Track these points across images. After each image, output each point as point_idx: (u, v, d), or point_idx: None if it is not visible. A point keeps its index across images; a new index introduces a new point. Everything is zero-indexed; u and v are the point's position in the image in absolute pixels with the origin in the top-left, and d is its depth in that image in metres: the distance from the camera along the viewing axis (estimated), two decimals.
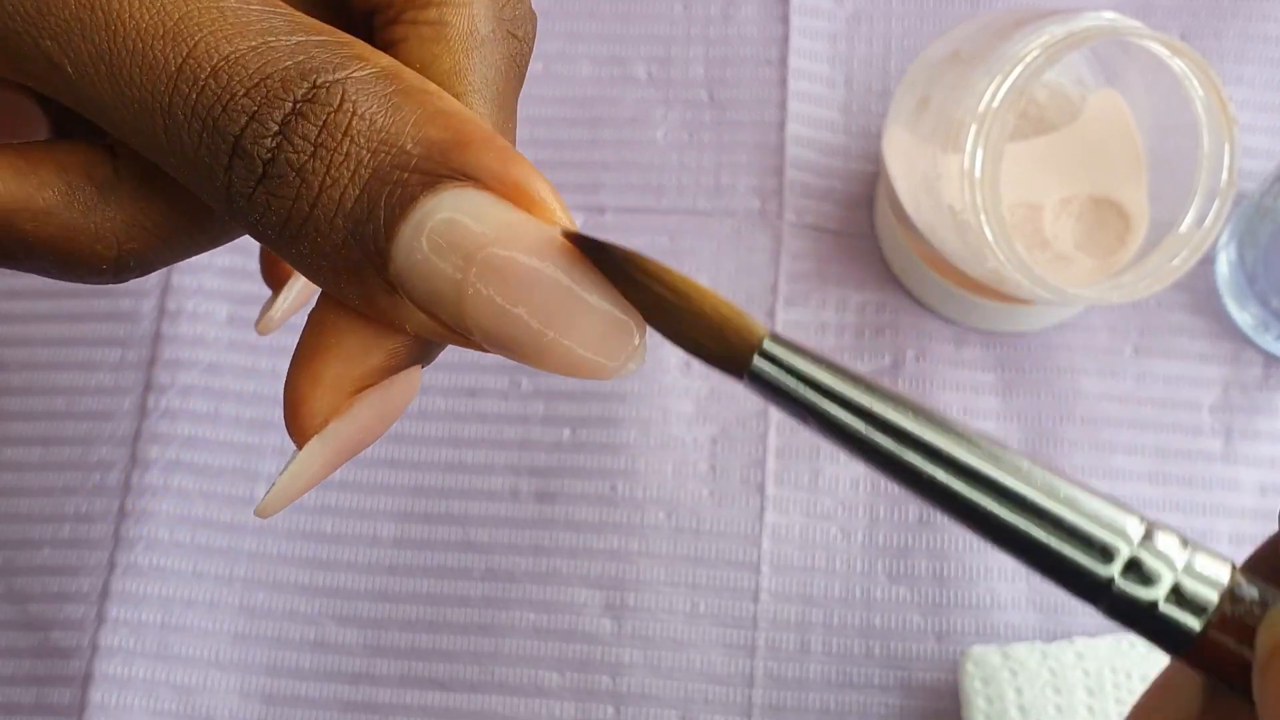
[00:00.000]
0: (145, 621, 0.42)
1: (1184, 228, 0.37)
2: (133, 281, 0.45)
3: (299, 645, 0.42)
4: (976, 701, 0.38)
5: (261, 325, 0.30)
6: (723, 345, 0.18)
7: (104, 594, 0.42)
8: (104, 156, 0.19)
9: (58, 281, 0.47)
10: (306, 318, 0.20)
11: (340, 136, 0.17)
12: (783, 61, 0.47)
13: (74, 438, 0.44)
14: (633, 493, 0.43)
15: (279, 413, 0.21)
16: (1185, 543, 0.18)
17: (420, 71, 0.20)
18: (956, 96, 0.36)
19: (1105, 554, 0.17)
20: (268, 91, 0.17)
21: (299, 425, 0.19)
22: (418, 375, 0.20)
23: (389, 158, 0.17)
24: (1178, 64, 0.35)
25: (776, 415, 0.43)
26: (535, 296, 0.18)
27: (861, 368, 0.44)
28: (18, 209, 0.18)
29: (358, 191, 0.17)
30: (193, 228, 0.20)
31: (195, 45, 0.17)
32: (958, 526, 0.42)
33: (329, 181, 0.17)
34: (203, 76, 0.17)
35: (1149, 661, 0.38)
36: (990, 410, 0.43)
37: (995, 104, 0.35)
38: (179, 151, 0.18)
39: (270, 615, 0.42)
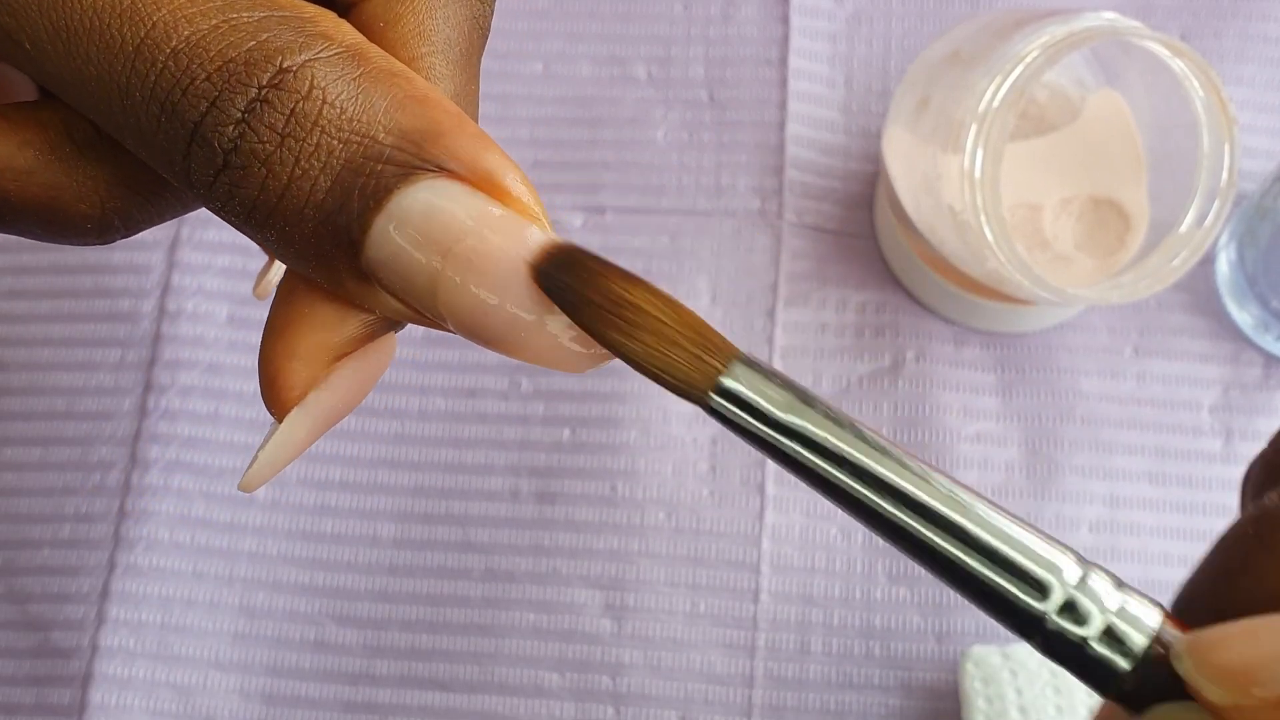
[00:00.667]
0: (145, 621, 0.42)
1: (1184, 228, 0.37)
2: (133, 282, 0.45)
3: (299, 645, 0.42)
4: (976, 701, 0.38)
5: (260, 289, 0.30)
6: (680, 388, 0.19)
7: (104, 594, 0.42)
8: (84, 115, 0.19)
9: (59, 282, 0.48)
10: (277, 289, 0.20)
11: (310, 126, 0.17)
12: (783, 61, 0.47)
13: (74, 438, 0.44)
14: (633, 493, 0.43)
15: None
16: (1119, 584, 0.18)
17: (383, 30, 0.20)
18: (956, 96, 0.36)
19: (1041, 590, 0.18)
20: (230, 75, 0.17)
21: (278, 398, 0.19)
22: (393, 341, 0.20)
23: (361, 148, 0.17)
24: (1178, 64, 0.35)
25: None
26: (512, 288, 0.18)
27: (861, 368, 0.44)
28: None
29: (329, 183, 0.17)
30: (174, 185, 0.20)
31: (154, 25, 0.17)
32: None
33: (298, 173, 0.17)
34: (161, 58, 0.17)
35: None
36: (990, 410, 0.43)
37: (995, 104, 0.35)
38: (137, 132, 0.17)
39: (270, 615, 0.42)
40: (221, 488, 0.43)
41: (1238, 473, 0.46)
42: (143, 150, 0.18)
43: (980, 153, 0.35)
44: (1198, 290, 0.44)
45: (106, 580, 0.42)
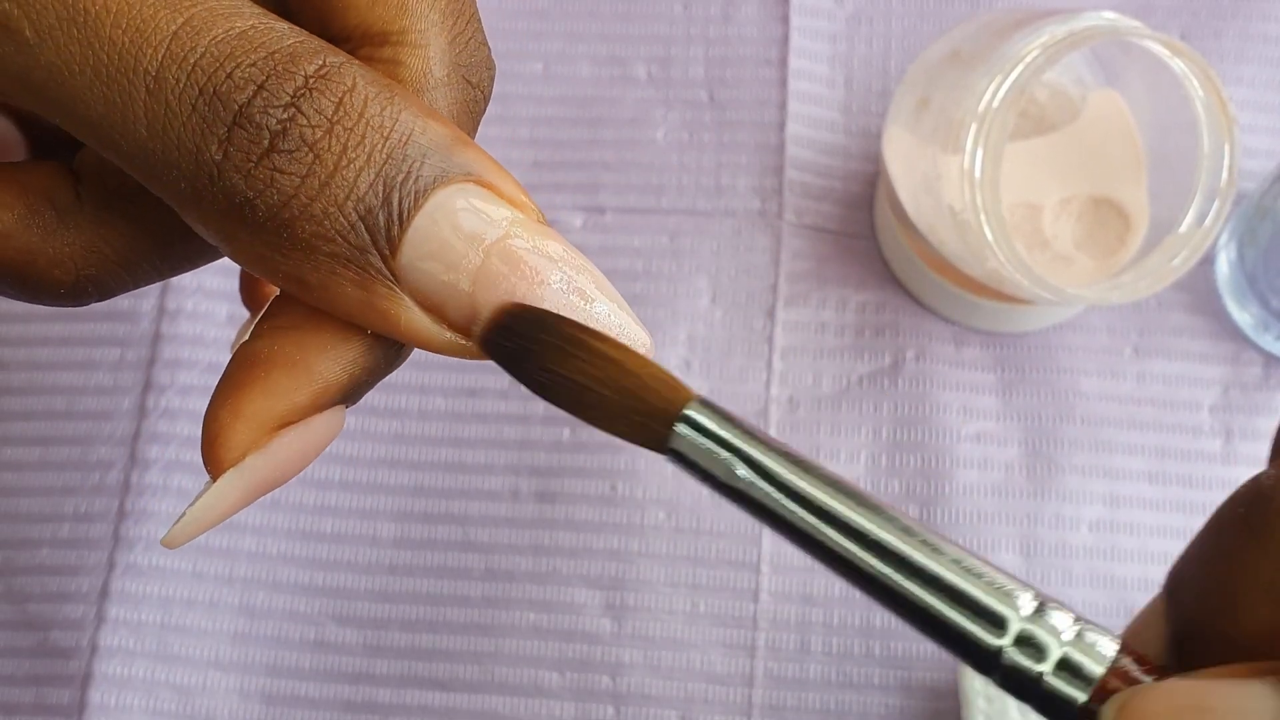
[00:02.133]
0: (145, 621, 0.42)
1: (1184, 228, 0.37)
2: None
3: (299, 645, 0.42)
4: (976, 701, 0.38)
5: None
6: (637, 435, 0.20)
7: (104, 594, 0.42)
8: (67, 180, 0.19)
9: None
10: (234, 351, 0.20)
11: (357, 117, 0.17)
12: (783, 61, 0.47)
13: (74, 437, 0.44)
14: (633, 493, 0.43)
15: None
16: (1076, 619, 0.18)
17: None
18: (956, 96, 0.36)
19: (997, 625, 0.18)
20: (276, 64, 0.17)
21: (215, 456, 0.19)
22: (341, 416, 0.20)
23: (404, 145, 0.17)
24: (1178, 64, 0.35)
25: (776, 415, 0.43)
26: (550, 284, 0.18)
27: (861, 368, 0.44)
28: None
29: (373, 176, 0.17)
30: (154, 255, 0.20)
31: (192, 15, 0.17)
32: (959, 527, 0.42)
33: (344, 162, 0.17)
34: (202, 44, 0.17)
35: None
36: (990, 410, 0.43)
37: (995, 104, 0.35)
38: (159, 123, 0.17)
39: (270, 615, 0.42)
40: None
41: (1238, 473, 0.46)
42: (157, 145, 0.17)
43: (980, 153, 0.35)
44: (1198, 290, 0.44)
45: (106, 580, 0.42)
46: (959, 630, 0.18)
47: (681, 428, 0.19)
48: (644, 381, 0.20)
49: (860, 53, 0.47)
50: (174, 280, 0.45)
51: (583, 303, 0.19)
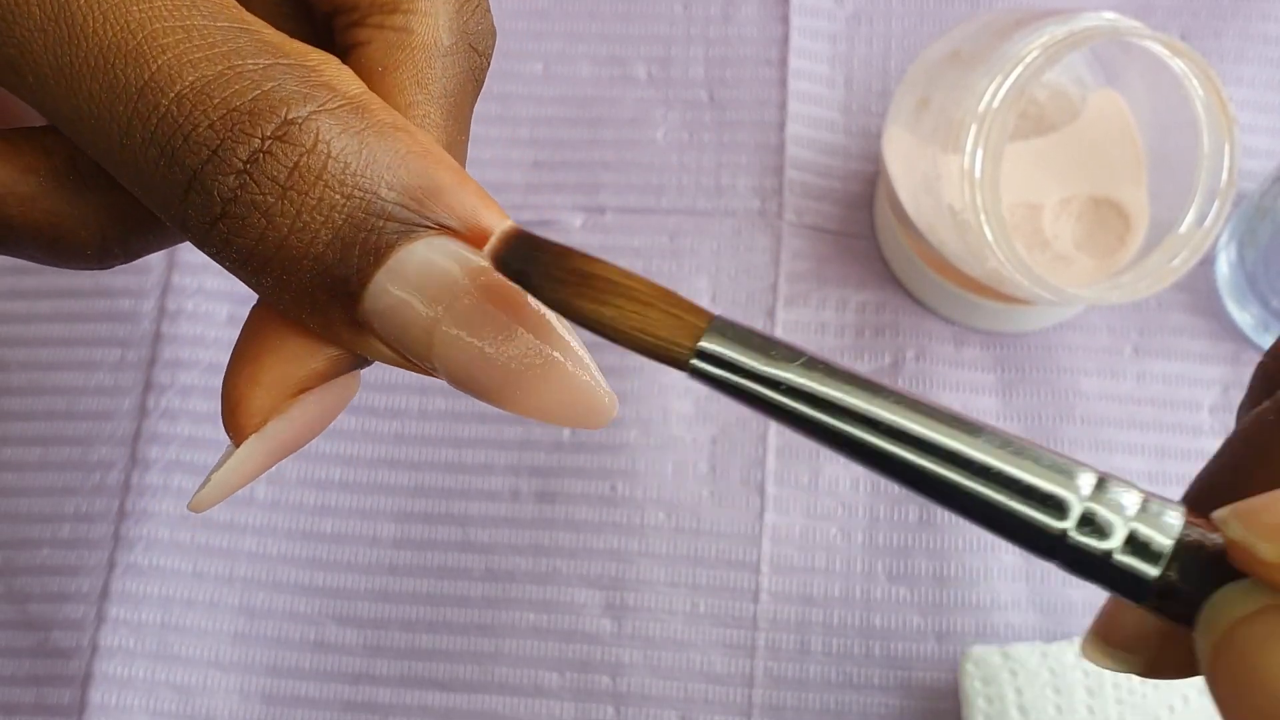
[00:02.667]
0: (145, 621, 0.42)
1: (1184, 228, 0.37)
2: (133, 281, 0.45)
3: (299, 645, 0.42)
4: (976, 701, 0.38)
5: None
6: (659, 355, 0.19)
7: (104, 594, 0.42)
8: None
9: (59, 282, 0.48)
10: (248, 316, 0.20)
11: (313, 180, 0.17)
12: (783, 61, 0.47)
13: (74, 438, 0.44)
14: (633, 493, 0.43)
15: None
16: (1140, 492, 0.18)
17: (381, 75, 0.20)
18: (956, 96, 0.36)
19: (1058, 509, 0.17)
20: (233, 124, 0.17)
21: (237, 424, 0.19)
22: (356, 379, 0.21)
23: (364, 204, 0.17)
24: (1178, 64, 0.35)
25: None
26: (509, 344, 0.18)
27: (861, 368, 0.44)
28: (2, 194, 0.19)
29: (329, 236, 0.17)
30: None
31: (158, 69, 0.17)
32: (959, 526, 0.42)
33: (299, 225, 0.17)
34: (164, 103, 0.17)
35: None
36: (990, 410, 0.43)
37: (995, 104, 0.35)
38: (135, 173, 0.17)
39: (270, 615, 0.42)
40: None
41: None
42: (139, 190, 0.18)
43: (980, 153, 0.35)
44: (1198, 290, 0.44)
45: (106, 580, 0.42)
46: (1021, 519, 0.18)
47: (700, 359, 0.18)
48: (659, 311, 0.19)
49: (860, 53, 0.47)
50: (174, 281, 0.45)
51: (540, 364, 0.18)
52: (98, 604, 0.42)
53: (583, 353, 0.19)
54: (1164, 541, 0.17)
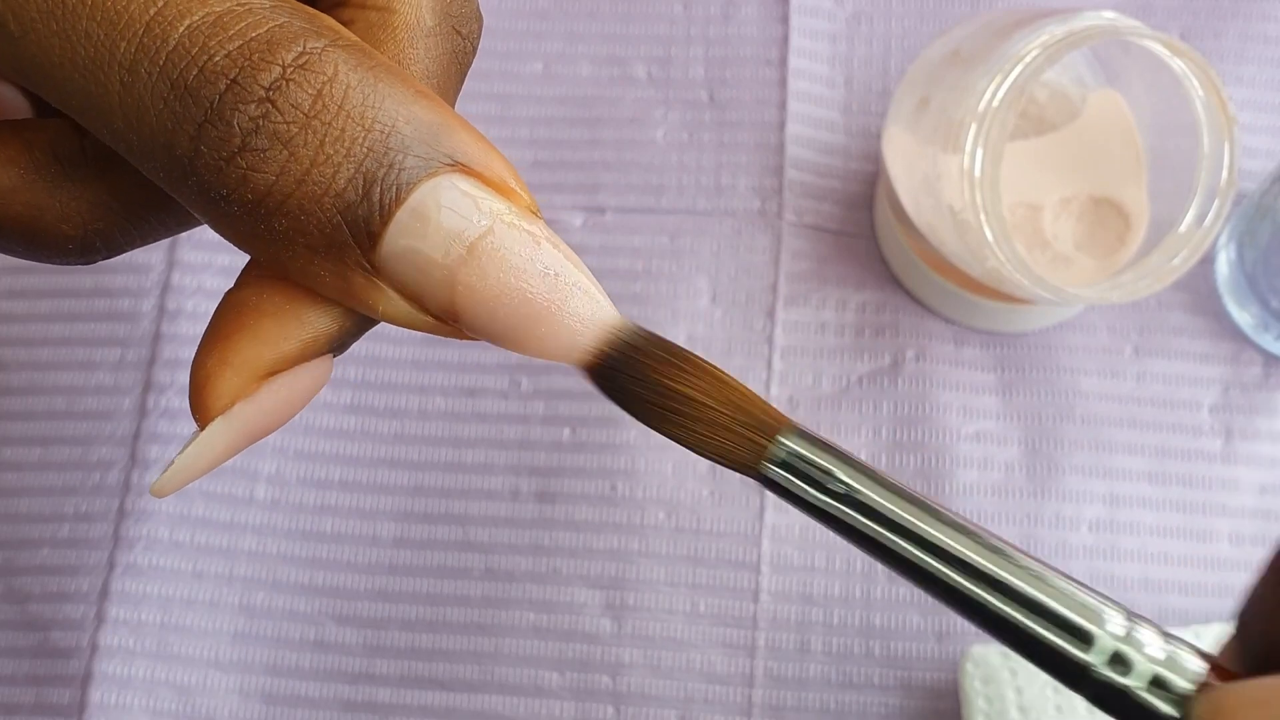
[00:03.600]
0: (145, 621, 0.42)
1: (1184, 227, 0.37)
2: (133, 281, 0.45)
3: (299, 645, 0.42)
4: (976, 701, 0.38)
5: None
6: (733, 462, 0.20)
7: (104, 594, 0.42)
8: (72, 135, 0.19)
9: (59, 282, 0.48)
10: (222, 298, 0.20)
11: (335, 110, 0.17)
12: (783, 61, 0.47)
13: (74, 437, 0.44)
14: (633, 493, 0.43)
15: None
16: (1165, 636, 0.19)
17: None
18: (956, 96, 0.36)
19: (1086, 640, 0.19)
20: (252, 53, 0.16)
21: (203, 405, 0.19)
22: (329, 364, 0.20)
23: (385, 137, 0.17)
24: (1178, 64, 0.35)
25: None
26: (533, 279, 0.18)
27: (861, 368, 0.44)
28: None
29: (352, 171, 0.17)
30: (160, 210, 0.20)
31: (166, 2, 0.16)
32: None
33: (321, 158, 0.17)
34: (175, 35, 0.16)
35: None
36: (990, 410, 0.43)
37: (995, 104, 0.35)
38: (137, 118, 0.17)
39: (270, 615, 0.42)
40: (221, 486, 0.43)
41: (1238, 473, 0.46)
42: (139, 139, 0.17)
43: (980, 152, 0.35)
44: (1198, 290, 0.44)
45: (106, 579, 0.42)
46: (1057, 652, 0.19)
47: (770, 464, 0.20)
48: (739, 405, 0.20)
49: (860, 53, 0.47)
50: (174, 280, 0.45)
51: (563, 299, 0.18)
52: (98, 604, 0.42)
53: (598, 290, 0.19)
54: (1183, 685, 0.18)
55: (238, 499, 0.43)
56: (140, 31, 0.16)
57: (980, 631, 0.43)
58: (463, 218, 0.17)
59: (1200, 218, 0.36)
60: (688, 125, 0.47)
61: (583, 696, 0.41)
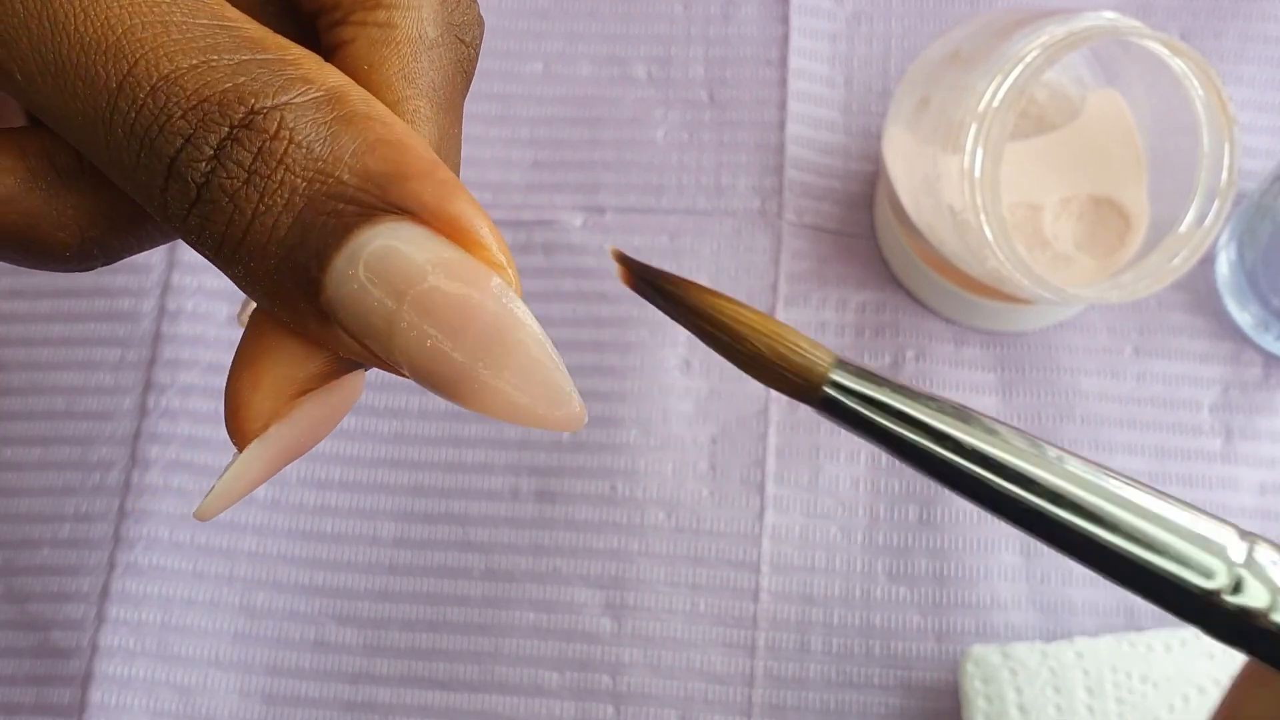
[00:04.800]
0: (145, 621, 0.42)
1: (1184, 227, 0.37)
2: (133, 281, 0.45)
3: (299, 645, 0.42)
4: (976, 701, 0.38)
5: (244, 317, 0.30)
6: (787, 385, 0.19)
7: (104, 594, 0.42)
8: (68, 143, 0.19)
9: (59, 282, 0.48)
10: (249, 319, 0.20)
11: (275, 165, 0.17)
12: (783, 61, 0.47)
13: (74, 437, 0.44)
14: (633, 493, 0.43)
15: None
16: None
17: (368, 73, 0.20)
18: (956, 96, 0.36)
19: (1207, 573, 0.17)
20: (204, 114, 0.17)
21: (239, 428, 0.19)
22: (360, 380, 0.20)
23: (324, 187, 0.17)
24: (1178, 64, 0.35)
25: (776, 415, 0.43)
26: (468, 336, 0.17)
27: None
28: None
29: (290, 220, 0.17)
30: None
31: (136, 63, 0.17)
32: (959, 526, 0.42)
33: (262, 208, 0.17)
34: (141, 96, 0.17)
35: (1149, 661, 0.38)
36: (990, 410, 0.43)
37: (995, 104, 0.35)
38: (120, 166, 0.18)
39: (270, 615, 0.42)
40: None
41: (1238, 472, 0.46)
42: (126, 184, 0.18)
43: (980, 152, 0.35)
44: (1198, 290, 0.44)
45: (106, 580, 0.42)
46: (1171, 583, 0.18)
47: (830, 388, 0.19)
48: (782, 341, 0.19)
49: (860, 53, 0.47)
50: (174, 280, 0.45)
51: (503, 355, 0.18)
52: (98, 604, 0.42)
53: (550, 350, 0.18)
54: None
55: None
56: (115, 92, 0.17)
57: (980, 632, 0.43)
58: (400, 266, 0.17)
59: (1200, 218, 0.36)
60: (688, 125, 0.47)
61: (583, 696, 0.41)
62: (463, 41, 0.20)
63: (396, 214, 0.17)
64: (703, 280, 0.44)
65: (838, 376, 0.19)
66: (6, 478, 0.44)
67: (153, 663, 0.42)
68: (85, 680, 0.42)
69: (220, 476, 0.19)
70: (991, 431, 0.18)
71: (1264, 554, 0.18)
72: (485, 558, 0.43)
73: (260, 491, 0.43)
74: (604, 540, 0.42)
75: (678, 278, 0.19)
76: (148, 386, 0.44)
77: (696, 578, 0.42)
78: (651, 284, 0.19)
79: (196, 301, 0.45)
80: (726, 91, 0.47)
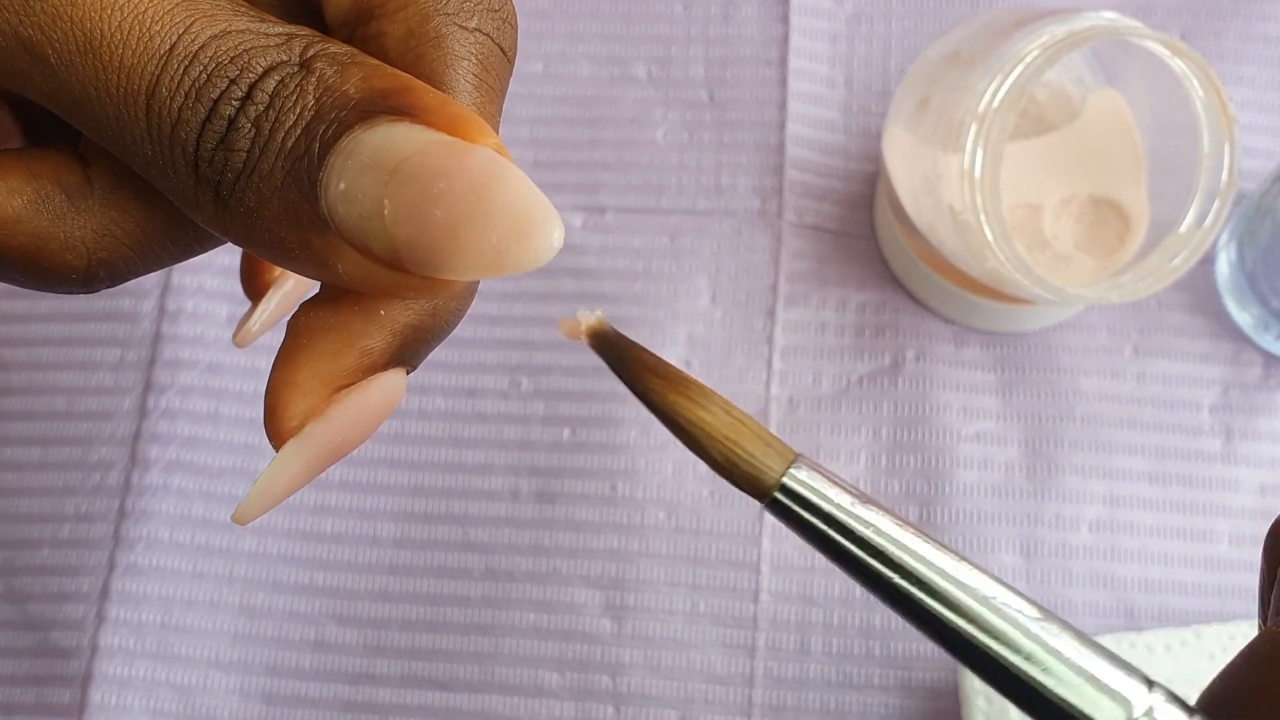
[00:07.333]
0: (145, 621, 0.42)
1: (1184, 228, 0.37)
2: (133, 281, 0.45)
3: (299, 645, 0.42)
4: (976, 701, 0.38)
5: (239, 337, 0.30)
6: (742, 488, 0.21)
7: (104, 594, 0.42)
8: (75, 164, 0.19)
9: None
10: (287, 324, 0.20)
11: (294, 90, 0.18)
12: (783, 61, 0.47)
13: (74, 438, 0.44)
14: (633, 493, 0.43)
15: None
16: (1190, 711, 0.19)
17: (402, 57, 0.20)
18: (956, 97, 0.36)
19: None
20: (249, 59, 0.18)
21: (276, 428, 0.19)
22: (401, 380, 0.20)
23: (331, 100, 0.18)
24: (1178, 64, 0.35)
25: (776, 415, 0.43)
26: (455, 186, 0.17)
27: (861, 368, 0.44)
28: None
29: (299, 132, 0.18)
30: (164, 237, 0.20)
31: (190, 25, 0.18)
32: (958, 526, 0.42)
33: (277, 127, 0.18)
34: (194, 49, 0.18)
35: (1149, 661, 0.38)
36: (990, 410, 0.43)
37: (995, 104, 0.35)
38: (158, 133, 0.18)
39: (270, 615, 0.42)
40: (221, 487, 0.43)
41: (1238, 473, 0.46)
42: (158, 153, 0.18)
43: (980, 153, 0.35)
44: (1198, 290, 0.44)
45: (106, 580, 0.42)
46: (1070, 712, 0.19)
47: (781, 494, 0.20)
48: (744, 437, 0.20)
49: (860, 53, 0.47)
50: (174, 281, 0.45)
51: (489, 197, 0.17)
52: (98, 604, 0.42)
53: (523, 188, 0.18)
54: None
55: (238, 499, 0.43)
56: (167, 53, 0.18)
57: None
58: (390, 152, 0.17)
59: (1200, 218, 0.36)
60: (688, 125, 0.47)
61: (583, 696, 0.41)
62: (500, 47, 0.21)
63: (395, 114, 0.18)
64: (702, 281, 0.45)
65: (788, 482, 0.20)
66: (6, 478, 0.44)
67: (153, 663, 0.42)
68: (85, 680, 0.42)
69: (259, 477, 0.19)
70: (929, 557, 0.19)
71: (1164, 711, 0.19)
72: (485, 558, 0.43)
73: None
74: (604, 541, 0.42)
75: (645, 365, 0.20)
76: (148, 387, 0.44)
77: (697, 578, 0.42)
78: (619, 370, 0.20)
79: (196, 302, 0.45)
80: (726, 91, 0.47)
